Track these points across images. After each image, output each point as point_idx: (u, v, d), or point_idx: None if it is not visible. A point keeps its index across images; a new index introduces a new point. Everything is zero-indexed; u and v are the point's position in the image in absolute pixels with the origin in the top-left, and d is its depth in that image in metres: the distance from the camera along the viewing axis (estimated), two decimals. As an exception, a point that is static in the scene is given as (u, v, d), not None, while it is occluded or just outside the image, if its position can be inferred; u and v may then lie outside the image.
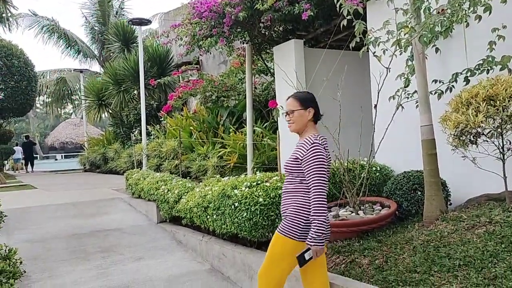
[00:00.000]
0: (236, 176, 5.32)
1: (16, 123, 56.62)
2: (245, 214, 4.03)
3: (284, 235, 2.68)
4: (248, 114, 8.06)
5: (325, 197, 2.62)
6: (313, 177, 2.58)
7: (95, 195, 8.56)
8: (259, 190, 4.09)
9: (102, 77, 18.26)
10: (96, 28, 23.26)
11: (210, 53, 15.41)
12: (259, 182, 4.23)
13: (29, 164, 20.14)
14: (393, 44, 3.41)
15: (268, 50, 8.22)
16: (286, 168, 2.79)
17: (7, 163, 21.81)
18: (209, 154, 9.12)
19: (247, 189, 4.16)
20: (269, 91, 10.15)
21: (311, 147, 2.62)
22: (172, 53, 16.15)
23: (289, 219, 2.69)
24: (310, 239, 2.55)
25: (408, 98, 4.09)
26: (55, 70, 25.41)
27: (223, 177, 5.82)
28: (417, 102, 3.90)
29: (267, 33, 6.97)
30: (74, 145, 37.24)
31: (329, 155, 2.78)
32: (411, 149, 4.40)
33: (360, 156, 4.51)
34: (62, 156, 40.47)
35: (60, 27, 22.93)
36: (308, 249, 2.56)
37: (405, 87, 4.06)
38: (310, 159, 2.60)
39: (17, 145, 21.77)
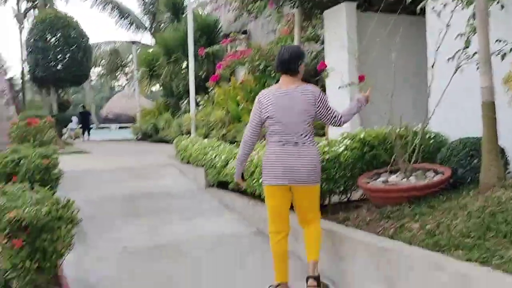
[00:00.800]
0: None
1: (73, 94, 59.32)
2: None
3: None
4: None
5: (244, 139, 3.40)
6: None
7: (147, 161, 8.87)
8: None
9: (153, 48, 18.63)
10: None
11: (259, 22, 15.28)
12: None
13: (86, 133, 21.12)
14: (454, -2, 3.19)
15: (318, 16, 7.99)
16: None
17: (66, 132, 23.03)
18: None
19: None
20: (318, 59, 9.93)
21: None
22: (221, 23, 16.13)
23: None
24: None
25: (468, 59, 3.84)
26: (108, 42, 26.17)
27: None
28: (477, 64, 3.66)
29: (317, -3, 6.78)
30: (127, 116, 38.51)
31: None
32: (469, 115, 4.17)
33: (414, 122, 4.33)
34: (116, 126, 42.12)
35: (113, -1, 23.49)
36: None
37: (465, 47, 3.81)
38: None
39: (73, 115, 22.83)
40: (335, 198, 4.38)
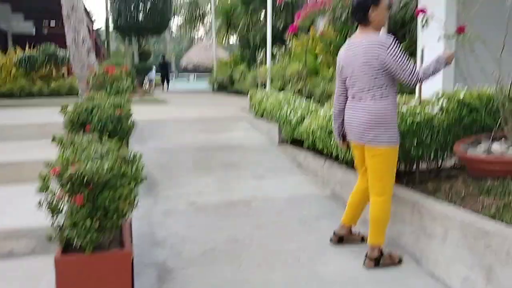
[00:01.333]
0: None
1: (154, 44, 61.22)
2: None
3: None
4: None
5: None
6: None
7: (221, 113, 8.78)
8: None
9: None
10: None
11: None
12: (394, 105, 3.70)
13: (165, 82, 21.65)
14: None
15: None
16: None
17: (146, 81, 23.82)
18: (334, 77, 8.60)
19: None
20: (407, 9, 9.00)
21: None
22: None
23: None
24: None
25: None
26: (186, -10, 26.13)
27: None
28: None
29: None
30: (205, 66, 39.03)
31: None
32: None
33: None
34: (194, 76, 42.87)
35: None
36: None
37: None
38: None
39: (151, 68, 23.33)
40: (423, 166, 3.91)
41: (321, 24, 12.33)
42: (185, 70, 49.11)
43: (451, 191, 3.25)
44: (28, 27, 22.19)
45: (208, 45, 36.42)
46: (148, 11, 19.03)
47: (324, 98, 8.63)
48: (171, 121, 7.73)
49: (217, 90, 18.87)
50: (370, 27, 2.90)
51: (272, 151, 5.92)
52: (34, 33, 22.24)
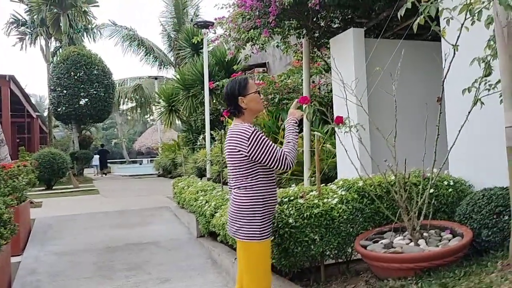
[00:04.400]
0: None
1: (106, 129, 60.75)
2: (272, 237, 3.26)
3: None
4: (305, 116, 7.25)
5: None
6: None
7: (147, 203, 8.28)
8: (290, 208, 3.30)
9: (172, 83, 18.47)
10: (172, 35, 23.76)
11: (277, 55, 14.81)
12: (291, 197, 3.43)
13: (103, 170, 21.21)
14: (461, 11, 2.44)
15: (328, 46, 7.35)
16: None
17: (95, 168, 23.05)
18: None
19: (277, 206, 3.38)
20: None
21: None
22: (240, 56, 15.79)
23: None
24: None
25: (489, 90, 3.05)
26: (134, 78, 26.47)
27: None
28: (501, 96, 2.87)
29: (323, 24, 6.15)
30: (157, 150, 38.68)
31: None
32: (495, 158, 3.34)
33: (424, 167, 3.51)
34: (148, 160, 42.27)
35: (138, 35, 23.78)
36: None
37: (485, 76, 3.03)
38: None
39: (95, 154, 22.97)
40: (331, 260, 3.57)
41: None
42: (139, 153, 48.48)
43: (353, 295, 2.90)
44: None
45: (158, 128, 36.49)
46: (90, 98, 18.85)
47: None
48: (88, 215, 7.14)
49: (161, 174, 18.40)
50: (245, 114, 2.72)
51: (188, 247, 5.43)
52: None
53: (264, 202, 2.60)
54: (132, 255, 5.16)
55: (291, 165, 2.64)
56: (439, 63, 3.86)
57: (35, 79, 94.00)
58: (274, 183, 2.72)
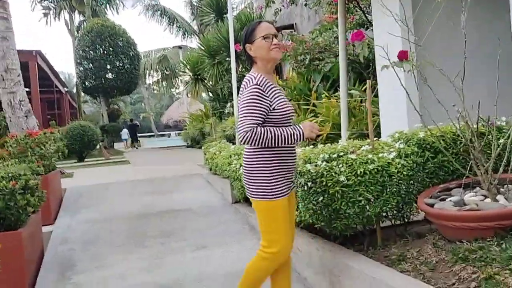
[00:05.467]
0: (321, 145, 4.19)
1: (133, 104, 61.29)
2: (321, 198, 2.89)
3: None
4: (342, 75, 6.73)
5: None
6: None
7: (178, 171, 8.05)
8: (340, 165, 2.90)
9: (197, 52, 18.05)
10: (194, 3, 23.15)
11: (305, 14, 14.12)
12: (341, 153, 3.03)
13: (134, 142, 21.36)
14: None
15: (366, -5, 6.75)
16: None
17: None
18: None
19: (324, 163, 2.99)
20: (371, 49, 8.65)
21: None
22: (266, 18, 15.16)
23: None
24: None
25: None
26: (159, 49, 26.17)
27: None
28: None
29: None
30: (184, 122, 38.79)
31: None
32: None
33: (497, 114, 3.02)
34: (176, 133, 42.49)
35: (160, 5, 23.33)
36: None
37: None
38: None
39: (123, 128, 23.08)
40: (388, 222, 3.18)
41: (285, 70, 12.00)
42: (167, 127, 48.82)
43: (419, 259, 2.51)
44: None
45: (185, 100, 36.39)
46: (116, 70, 18.68)
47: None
48: (121, 183, 6.97)
49: (190, 145, 18.27)
50: (258, 64, 2.42)
51: (223, 212, 5.15)
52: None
53: (272, 160, 2.36)
54: (165, 222, 4.92)
55: (248, 143, 2.27)
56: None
57: (63, 57, 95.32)
58: None
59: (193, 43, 25.48)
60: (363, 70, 8.46)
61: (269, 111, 2.30)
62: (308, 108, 8.36)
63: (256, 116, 2.24)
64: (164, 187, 6.57)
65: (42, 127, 17.13)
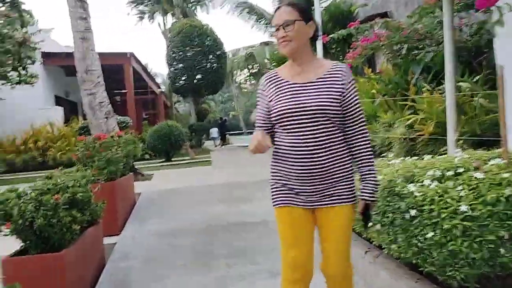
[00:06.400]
0: (429, 156, 3.28)
1: (224, 103, 62.81)
2: (431, 233, 2.05)
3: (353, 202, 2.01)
4: (448, 64, 5.59)
5: None
6: (360, 115, 2.00)
7: (258, 174, 7.45)
8: (460, 187, 2.03)
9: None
10: (282, -2, 22.62)
11: (401, 1, 12.77)
12: (459, 169, 2.15)
13: (222, 141, 21.53)
14: None
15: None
16: (319, 110, 1.92)
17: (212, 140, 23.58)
18: (395, 123, 7.00)
19: (435, 183, 2.13)
20: (481, 34, 7.30)
21: (352, 79, 1.99)
22: (357, 10, 14.04)
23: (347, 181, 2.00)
24: (373, 193, 1.97)
25: None
26: (246, 47, 26.06)
27: (409, 155, 3.84)
28: None
29: None
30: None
31: None
32: None
33: None
34: (266, 132, 42.49)
35: (248, 1, 23.14)
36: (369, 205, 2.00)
37: None
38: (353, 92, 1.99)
39: (212, 127, 23.30)
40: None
41: (378, 61, 10.85)
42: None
43: None
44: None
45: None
46: (203, 69, 18.80)
47: (385, 148, 7.04)
48: (194, 188, 6.55)
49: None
50: None
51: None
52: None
53: (272, 165, 2.15)
54: (235, 237, 4.33)
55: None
56: None
57: (160, 58, 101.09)
58: (291, 146, 1.99)
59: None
60: (472, 60, 7.15)
61: (269, 111, 2.04)
62: (406, 104, 7.29)
63: (258, 120, 2.10)
64: (240, 193, 6.02)
65: (136, 127, 17.82)
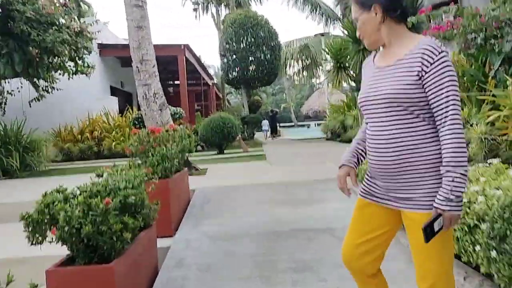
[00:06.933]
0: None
1: (275, 95, 62.41)
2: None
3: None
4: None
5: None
6: (447, 103, 1.62)
7: (317, 172, 6.97)
8: None
9: (340, 38, 16.72)
10: (338, -14, 21.76)
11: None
12: None
13: (274, 133, 21.32)
14: None
15: None
16: (390, 98, 1.70)
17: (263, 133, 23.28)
18: (471, 120, 6.26)
19: None
20: None
21: (439, 57, 1.63)
22: (423, -3, 13.06)
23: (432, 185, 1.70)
24: (444, 200, 1.63)
25: None
26: (300, 38, 25.43)
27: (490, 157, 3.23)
28: None
29: None
30: (324, 113, 38.15)
31: None
32: None
33: None
34: (315, 124, 41.84)
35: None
36: (439, 216, 1.65)
37: None
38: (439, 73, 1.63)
39: (264, 119, 22.97)
40: None
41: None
42: (307, 117, 48.51)
43: None
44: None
45: (325, 90, 35.24)
46: (257, 61, 18.43)
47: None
48: (250, 187, 6.15)
49: (330, 138, 17.14)
50: None
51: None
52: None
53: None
54: (299, 246, 3.89)
55: (462, 136, 1.66)
56: None
57: (213, 50, 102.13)
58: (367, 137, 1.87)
59: (336, 30, 24.16)
60: None
61: None
62: (484, 100, 6.53)
63: None
64: (300, 194, 5.56)
65: (189, 118, 17.81)
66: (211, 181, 6.71)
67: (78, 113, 14.76)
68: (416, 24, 11.34)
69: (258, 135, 22.37)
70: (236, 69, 18.63)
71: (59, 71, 10.20)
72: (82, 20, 10.06)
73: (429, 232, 1.67)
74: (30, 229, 2.50)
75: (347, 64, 15.03)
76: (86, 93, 15.52)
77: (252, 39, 18.37)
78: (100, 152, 13.63)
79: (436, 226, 1.68)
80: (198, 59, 19.54)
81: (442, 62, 1.62)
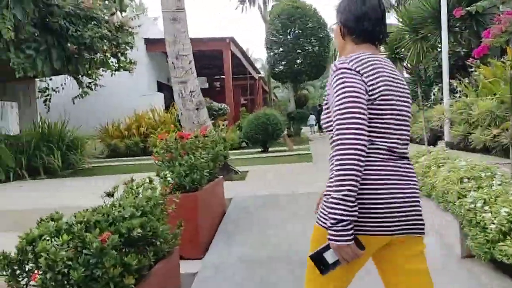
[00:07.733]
0: None
1: (323, 88, 60.90)
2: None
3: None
4: None
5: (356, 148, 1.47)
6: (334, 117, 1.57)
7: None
8: None
9: (395, 27, 15.53)
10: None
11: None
12: None
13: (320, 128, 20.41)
14: None
15: None
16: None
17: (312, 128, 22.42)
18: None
19: None
20: None
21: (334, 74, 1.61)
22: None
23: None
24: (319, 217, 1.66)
25: None
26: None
27: None
28: None
29: None
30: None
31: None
32: None
33: None
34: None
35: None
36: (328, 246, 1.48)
37: None
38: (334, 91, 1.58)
39: (311, 114, 22.04)
40: None
41: None
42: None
43: None
44: (201, 82, 23.07)
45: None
46: (304, 54, 17.62)
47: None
48: (291, 197, 5.44)
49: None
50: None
51: (445, 275, 3.13)
52: (207, 87, 22.95)
53: (383, 185, 1.63)
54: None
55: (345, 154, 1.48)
56: None
57: (260, 43, 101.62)
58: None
59: (390, 18, 22.72)
60: None
61: None
62: None
63: None
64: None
65: (233, 114, 17.36)
66: (250, 187, 6.09)
67: (127, 108, 14.71)
68: (483, 13, 10.11)
69: (305, 130, 21.55)
70: (283, 63, 17.92)
71: (101, 68, 9.98)
72: (123, 14, 9.76)
73: (319, 263, 1.47)
74: (9, 272, 2.00)
75: (403, 55, 13.94)
76: (134, 89, 15.45)
77: (300, 31, 17.57)
78: (146, 149, 13.48)
79: (329, 258, 1.45)
80: (244, 53, 19.02)
81: (336, 81, 1.56)
